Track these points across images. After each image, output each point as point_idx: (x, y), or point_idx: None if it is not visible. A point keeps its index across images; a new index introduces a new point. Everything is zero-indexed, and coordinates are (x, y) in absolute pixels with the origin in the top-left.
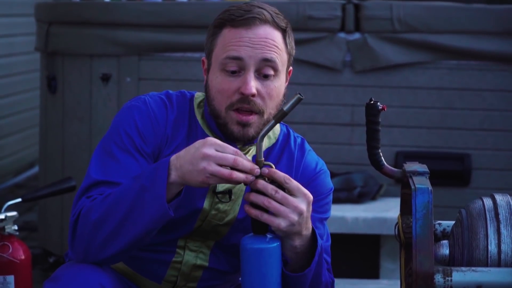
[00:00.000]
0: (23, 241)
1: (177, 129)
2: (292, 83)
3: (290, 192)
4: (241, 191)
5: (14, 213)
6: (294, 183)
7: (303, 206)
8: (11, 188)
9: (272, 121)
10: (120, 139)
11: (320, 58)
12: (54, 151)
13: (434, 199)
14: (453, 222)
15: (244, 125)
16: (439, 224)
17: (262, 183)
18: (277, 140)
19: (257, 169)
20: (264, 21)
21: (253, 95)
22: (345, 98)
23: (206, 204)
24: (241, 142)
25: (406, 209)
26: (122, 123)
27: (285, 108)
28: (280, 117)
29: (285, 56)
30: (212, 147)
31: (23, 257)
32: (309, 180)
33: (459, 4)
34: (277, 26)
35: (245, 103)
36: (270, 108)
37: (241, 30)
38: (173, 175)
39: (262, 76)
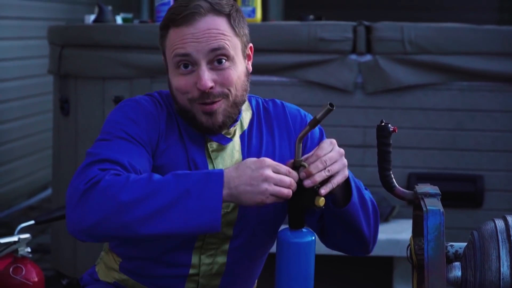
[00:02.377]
0: (36, 263)
1: (169, 127)
2: (303, 105)
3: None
4: None
5: (27, 235)
6: (325, 148)
7: (340, 150)
8: (24, 210)
9: (307, 127)
10: (118, 131)
11: (331, 80)
12: (67, 173)
13: (446, 221)
14: (465, 244)
15: (211, 114)
16: (451, 246)
17: (314, 167)
18: (253, 111)
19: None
20: (204, 14)
21: (211, 88)
22: (356, 119)
23: None
24: (208, 133)
25: (418, 230)
26: (118, 118)
27: (317, 117)
28: (314, 124)
29: (235, 40)
30: (270, 169)
31: (36, 279)
32: (302, 127)
33: (469, 25)
34: (219, 13)
35: (205, 98)
36: (235, 90)
37: (183, 28)
38: (225, 193)
39: (216, 65)
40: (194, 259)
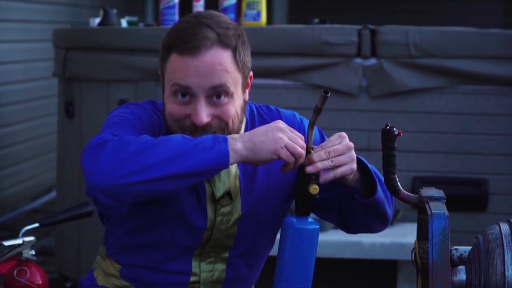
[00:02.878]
0: (40, 266)
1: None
2: (308, 108)
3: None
4: (237, 187)
5: (31, 238)
6: (332, 140)
7: (348, 143)
8: (28, 213)
9: (314, 116)
10: (119, 122)
11: (336, 83)
12: (71, 176)
13: (451, 224)
14: (470, 247)
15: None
16: (456, 249)
17: (317, 156)
18: (247, 120)
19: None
20: (210, 46)
21: (207, 124)
22: (361, 123)
23: (209, 213)
24: None
25: (422, 234)
26: (118, 114)
27: (318, 105)
28: (317, 112)
29: (237, 75)
30: (284, 125)
31: (40, 282)
32: (300, 133)
33: (475, 29)
34: (225, 46)
35: (199, 132)
36: (232, 124)
37: (187, 59)
38: (239, 145)
39: (215, 99)
40: (195, 267)
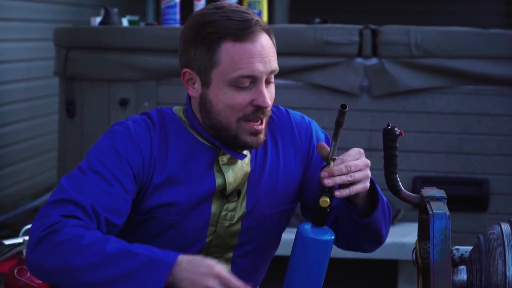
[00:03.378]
0: None
1: (162, 151)
2: (310, 108)
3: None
4: (245, 185)
5: None
6: (352, 154)
7: (366, 160)
8: (29, 212)
9: (335, 128)
10: (98, 163)
11: (337, 83)
12: None
13: (452, 224)
14: (471, 247)
15: (256, 134)
16: (457, 249)
17: (338, 169)
18: None
19: None
20: (262, 29)
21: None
22: (362, 123)
23: (213, 209)
24: (249, 149)
25: (423, 234)
26: (102, 147)
27: (337, 119)
28: (338, 125)
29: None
30: (216, 280)
31: (40, 281)
32: (308, 136)
33: (476, 29)
34: (267, 30)
35: (259, 114)
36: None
37: (248, 44)
38: (169, 280)
39: (267, 84)
40: None
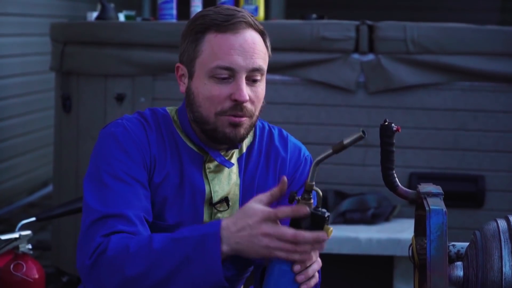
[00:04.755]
0: (37, 260)
1: (160, 150)
2: (306, 104)
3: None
4: (236, 195)
5: (28, 232)
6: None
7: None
8: (24, 207)
9: (330, 151)
10: (110, 167)
11: (334, 79)
12: (68, 170)
13: (448, 221)
14: (467, 243)
15: (236, 126)
16: (453, 245)
17: (312, 271)
18: (255, 136)
19: (322, 235)
20: (249, 25)
21: (244, 104)
22: (358, 119)
23: (205, 217)
24: (228, 145)
25: (420, 230)
26: (108, 150)
27: (345, 142)
28: (339, 149)
29: (267, 59)
30: (268, 223)
31: (36, 276)
32: (296, 167)
33: (472, 25)
34: (258, 30)
35: (237, 110)
36: (257, 111)
37: (229, 36)
38: (226, 249)
39: (251, 82)
40: None
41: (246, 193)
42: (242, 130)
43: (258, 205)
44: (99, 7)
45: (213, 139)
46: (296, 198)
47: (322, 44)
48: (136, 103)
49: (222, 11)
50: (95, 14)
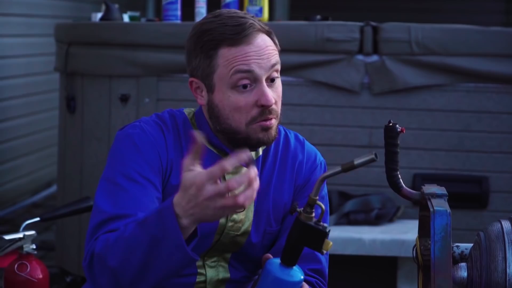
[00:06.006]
0: (41, 260)
1: (178, 152)
2: (310, 105)
3: None
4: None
5: (32, 232)
6: None
7: None
8: (29, 207)
9: (339, 169)
10: (124, 168)
11: (338, 80)
12: (72, 170)
13: (452, 222)
14: (471, 244)
15: (267, 129)
16: (457, 246)
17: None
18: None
19: (245, 156)
20: (258, 30)
21: (272, 106)
22: (363, 120)
23: (221, 218)
24: (263, 146)
25: (424, 231)
26: (124, 151)
27: (355, 162)
28: (348, 168)
29: (278, 54)
30: (206, 185)
31: (40, 276)
32: (311, 171)
33: (477, 26)
34: (265, 31)
35: (266, 114)
36: (279, 109)
37: (243, 47)
38: (185, 221)
39: (270, 82)
40: (200, 267)
41: (262, 195)
42: (273, 132)
43: (191, 173)
44: (103, 8)
45: (245, 146)
46: (298, 210)
47: (327, 45)
48: (140, 103)
49: (227, 21)
50: (99, 15)
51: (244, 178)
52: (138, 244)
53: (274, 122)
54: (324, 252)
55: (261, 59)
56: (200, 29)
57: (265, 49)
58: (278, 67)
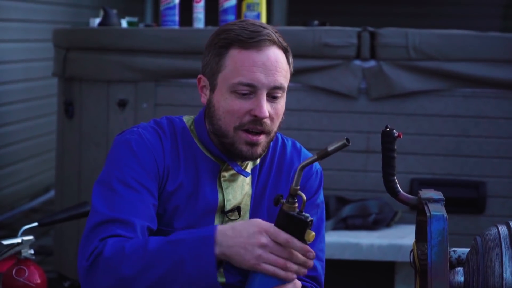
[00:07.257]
0: (39, 265)
1: (175, 159)
2: (307, 110)
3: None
4: (247, 205)
5: (30, 237)
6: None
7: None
8: (27, 212)
9: (315, 157)
10: (121, 173)
11: (335, 85)
12: (70, 175)
13: (449, 227)
14: (468, 249)
15: (253, 144)
16: (454, 251)
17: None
18: (269, 148)
19: (310, 253)
20: (273, 42)
21: (264, 120)
22: (360, 125)
23: (216, 224)
24: (246, 160)
25: (421, 236)
26: (121, 157)
27: (329, 149)
28: (323, 155)
29: (288, 76)
30: (266, 236)
31: (39, 281)
32: (307, 178)
33: (474, 32)
34: (282, 47)
35: (256, 125)
36: (275, 127)
37: (253, 52)
38: (218, 252)
39: (271, 98)
40: None
41: (257, 203)
42: (259, 149)
43: (261, 220)
44: (101, 13)
45: (230, 153)
46: (281, 201)
47: (324, 51)
48: (138, 109)
49: (247, 26)
50: (97, 20)
51: (303, 248)
52: (163, 261)
53: (262, 138)
54: (308, 242)
55: (266, 72)
56: (221, 28)
57: (274, 63)
58: (284, 88)
